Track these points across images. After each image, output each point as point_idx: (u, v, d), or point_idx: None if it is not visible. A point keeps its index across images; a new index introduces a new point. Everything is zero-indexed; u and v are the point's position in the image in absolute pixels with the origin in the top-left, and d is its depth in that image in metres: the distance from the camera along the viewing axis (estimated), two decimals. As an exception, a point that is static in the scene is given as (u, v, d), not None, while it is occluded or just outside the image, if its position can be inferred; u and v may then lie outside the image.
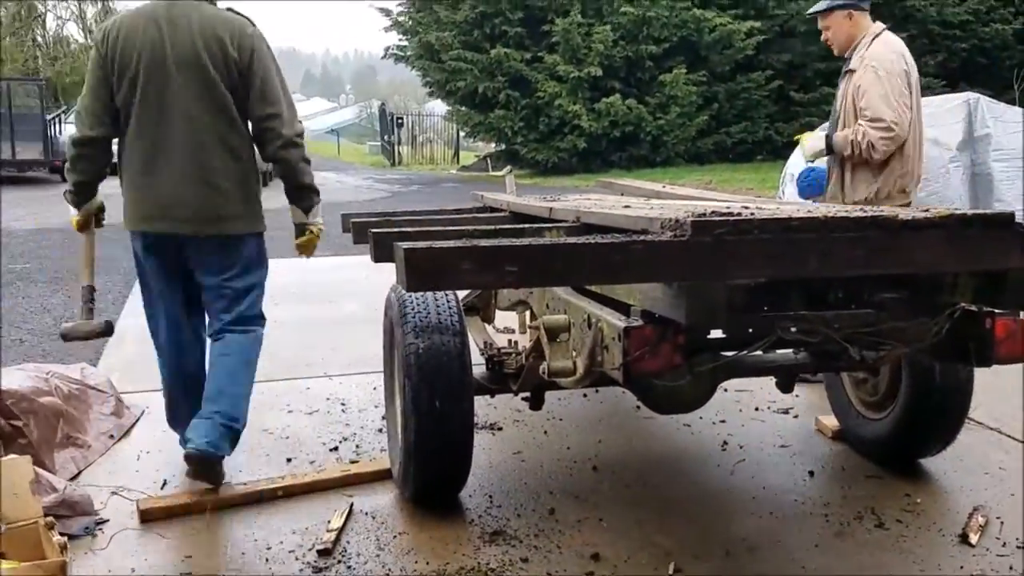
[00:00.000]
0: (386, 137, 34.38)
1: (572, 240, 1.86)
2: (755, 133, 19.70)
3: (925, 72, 20.23)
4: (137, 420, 3.47)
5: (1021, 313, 2.19)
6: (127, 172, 3.04)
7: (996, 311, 2.16)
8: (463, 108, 23.99)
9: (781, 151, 15.67)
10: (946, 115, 7.72)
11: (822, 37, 3.81)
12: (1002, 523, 2.64)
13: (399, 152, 32.56)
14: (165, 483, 2.90)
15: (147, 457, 3.14)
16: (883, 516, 2.67)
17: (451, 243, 1.80)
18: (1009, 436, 3.33)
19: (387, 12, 24.79)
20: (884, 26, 3.64)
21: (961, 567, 2.39)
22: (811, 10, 3.87)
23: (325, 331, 4.96)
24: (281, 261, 7.43)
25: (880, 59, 3.49)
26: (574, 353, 2.26)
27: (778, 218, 1.87)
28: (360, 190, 18.03)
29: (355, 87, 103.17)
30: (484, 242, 1.81)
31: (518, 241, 1.82)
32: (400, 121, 33.52)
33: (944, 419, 2.88)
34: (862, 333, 2.17)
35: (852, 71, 3.61)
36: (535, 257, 1.74)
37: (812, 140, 3.77)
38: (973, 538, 2.54)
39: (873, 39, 3.58)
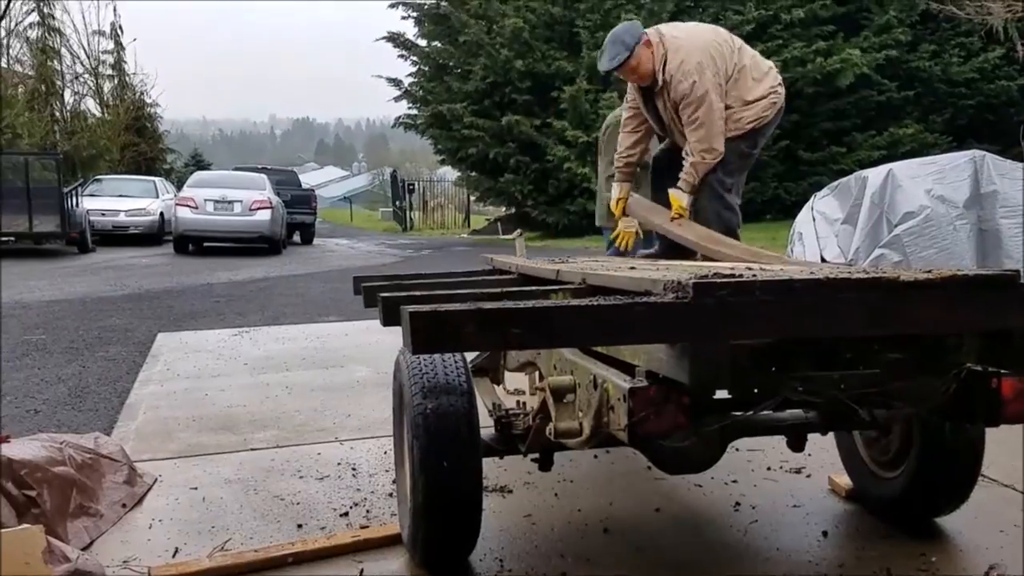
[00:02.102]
0: (398, 203, 34.86)
1: (575, 302, 1.89)
2: (764, 193, 19.83)
3: (932, 129, 20.53)
4: (150, 488, 3.48)
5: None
6: None
7: (1002, 371, 2.17)
8: (474, 174, 24.35)
9: (790, 210, 15.76)
10: (952, 172, 7.80)
11: None
12: (1020, 581, 2.60)
13: (411, 217, 32.95)
14: (177, 551, 2.90)
15: (159, 526, 3.14)
16: (899, 577, 2.64)
17: (456, 306, 1.84)
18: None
19: (397, 82, 25.31)
20: None
21: (979, 628, 2.35)
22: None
23: (336, 396, 4.98)
24: (291, 327, 7.54)
25: None
26: (580, 414, 2.27)
27: (780, 279, 1.90)
28: (372, 255, 18.18)
29: (367, 155, 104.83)
30: (488, 305, 1.84)
31: (522, 303, 1.85)
32: (411, 187, 34.03)
33: (957, 477, 2.85)
34: (869, 393, 2.18)
35: None
36: (538, 319, 1.77)
37: None
38: (991, 597, 2.50)
39: None
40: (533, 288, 2.71)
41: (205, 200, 16.60)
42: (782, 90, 4.29)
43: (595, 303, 1.82)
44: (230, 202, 16.72)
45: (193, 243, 17.03)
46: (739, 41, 4.27)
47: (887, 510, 3.06)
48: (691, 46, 4.08)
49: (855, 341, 2.18)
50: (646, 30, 4.18)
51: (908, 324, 1.93)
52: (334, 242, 23.29)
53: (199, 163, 35.31)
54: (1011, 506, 3.19)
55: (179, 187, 20.81)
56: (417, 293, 2.57)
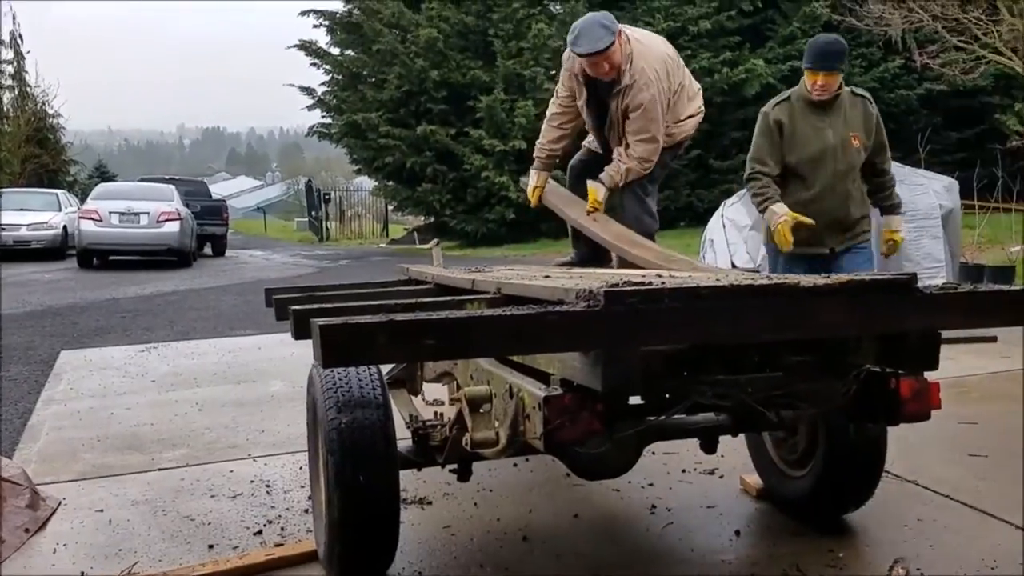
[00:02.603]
0: (313, 213, 34.39)
1: (488, 312, 1.89)
2: (677, 200, 20.26)
3: (836, 138, 21.22)
4: (53, 512, 3.35)
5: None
6: None
7: (900, 372, 2.26)
8: (391, 183, 24.20)
9: (702, 217, 16.11)
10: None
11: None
12: (922, 574, 2.70)
13: (327, 228, 32.57)
14: (83, 575, 2.80)
15: (63, 550, 3.02)
16: (808, 572, 2.71)
17: (367, 318, 1.82)
18: (926, 488, 3.42)
19: (310, 91, 24.99)
20: None
21: (884, 620, 2.44)
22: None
23: (249, 411, 4.87)
24: (202, 342, 7.36)
25: None
26: (496, 423, 2.28)
27: (688, 287, 1.94)
28: (288, 266, 17.88)
29: (281, 165, 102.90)
30: (400, 316, 1.83)
31: (434, 314, 1.85)
32: (327, 197, 33.61)
33: (862, 474, 2.96)
34: (775, 395, 2.25)
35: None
36: (451, 330, 1.77)
37: None
38: (895, 590, 2.60)
39: None
40: (448, 298, 2.70)
41: (110, 212, 16.07)
42: (703, 109, 4.40)
43: (508, 313, 1.83)
44: (136, 214, 16.23)
45: (98, 257, 16.46)
46: (680, 59, 4.30)
47: (796, 508, 3.15)
48: (651, 55, 4.05)
49: (761, 345, 2.25)
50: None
51: (809, 328, 1.99)
52: (247, 254, 22.84)
53: (104, 174, 34.13)
54: (914, 501, 3.32)
55: (83, 200, 20.07)
56: (329, 305, 2.54)
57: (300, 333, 2.41)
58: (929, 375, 2.26)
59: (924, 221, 7.89)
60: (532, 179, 4.52)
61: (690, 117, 4.28)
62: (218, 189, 33.75)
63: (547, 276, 2.85)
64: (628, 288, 1.88)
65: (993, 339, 4.80)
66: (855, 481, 2.97)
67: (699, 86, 4.44)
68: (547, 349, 1.95)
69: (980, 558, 2.79)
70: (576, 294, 1.92)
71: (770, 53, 20.75)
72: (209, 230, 20.33)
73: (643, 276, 2.44)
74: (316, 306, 2.51)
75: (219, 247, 21.20)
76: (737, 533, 3.07)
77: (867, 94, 4.17)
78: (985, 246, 10.93)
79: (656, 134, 4.08)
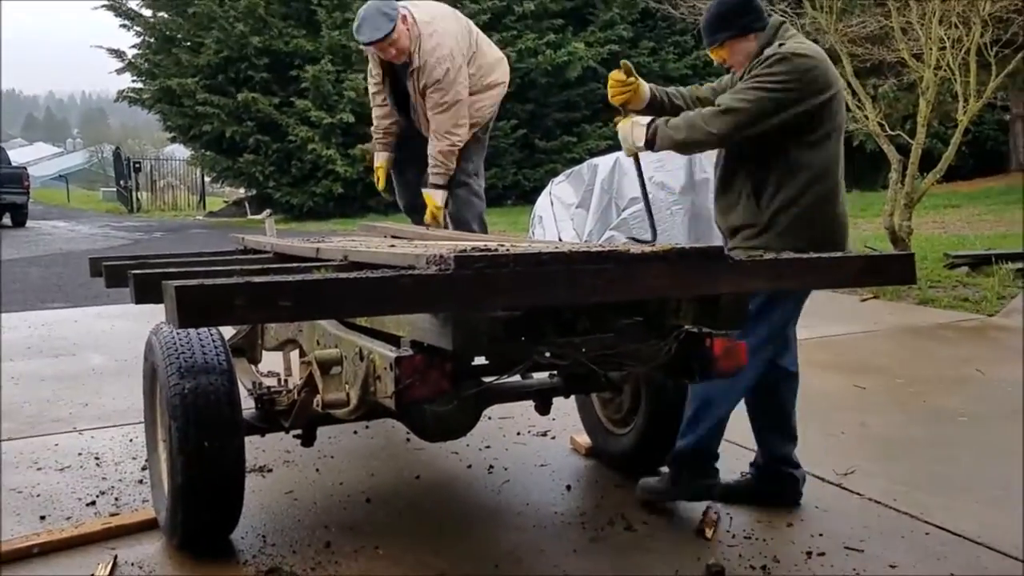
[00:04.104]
0: (122, 183, 32.50)
1: (345, 275, 1.97)
2: (504, 179, 20.64)
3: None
4: None
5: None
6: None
7: (714, 331, 2.51)
8: (209, 152, 23.23)
9: (529, 195, 16.53)
10: (670, 161, 8.55)
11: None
12: (731, 518, 3.01)
13: (138, 198, 30.91)
14: None
15: None
16: (632, 520, 2.96)
17: (223, 280, 1.85)
18: (732, 442, 3.74)
19: (119, 54, 23.54)
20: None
21: (699, 558, 2.70)
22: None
23: (70, 385, 4.67)
24: (11, 315, 6.92)
25: None
26: (347, 385, 2.36)
27: (530, 253, 2.09)
28: (97, 238, 16.89)
29: (83, 131, 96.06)
30: (258, 278, 1.87)
31: (291, 277, 1.90)
32: (138, 166, 31.83)
33: (678, 430, 3.24)
34: (605, 356, 2.45)
35: None
36: (309, 291, 1.83)
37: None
38: (708, 532, 2.87)
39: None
40: (296, 265, 2.74)
41: None
42: (506, 80, 4.49)
43: (364, 275, 1.91)
44: (-74, 180, 14.88)
45: None
46: (474, 27, 4.40)
47: (621, 463, 3.40)
48: (443, 31, 4.14)
49: (592, 309, 2.44)
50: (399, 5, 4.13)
51: (637, 290, 2.19)
52: (50, 224, 21.36)
53: None
54: (728, 455, 3.62)
55: None
56: (174, 270, 2.52)
57: (143, 297, 2.39)
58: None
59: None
60: (376, 160, 4.56)
61: (496, 86, 4.37)
62: (14, 156, 31.14)
63: (392, 245, 2.94)
64: (476, 253, 2.00)
65: None
66: (674, 436, 3.24)
67: (500, 55, 4.52)
68: (401, 310, 2.05)
69: (785, 505, 3.12)
70: (427, 259, 2.03)
71: (591, 37, 21.43)
72: (8, 199, 19.04)
73: (486, 244, 2.58)
74: (161, 270, 2.48)
75: (19, 217, 19.86)
76: (568, 488, 3.29)
77: (793, 47, 2.93)
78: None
79: (453, 103, 4.13)
